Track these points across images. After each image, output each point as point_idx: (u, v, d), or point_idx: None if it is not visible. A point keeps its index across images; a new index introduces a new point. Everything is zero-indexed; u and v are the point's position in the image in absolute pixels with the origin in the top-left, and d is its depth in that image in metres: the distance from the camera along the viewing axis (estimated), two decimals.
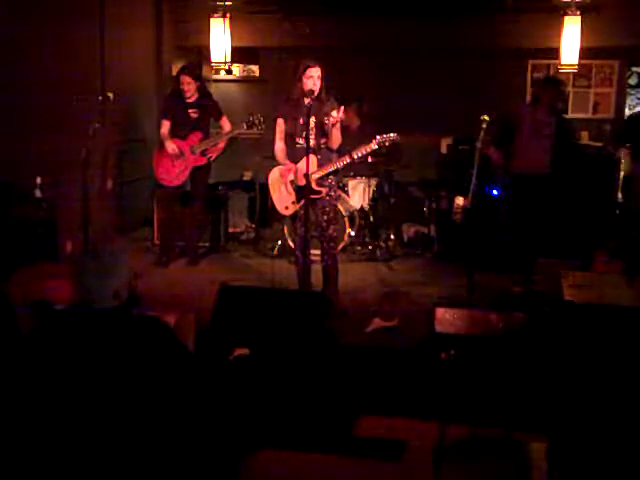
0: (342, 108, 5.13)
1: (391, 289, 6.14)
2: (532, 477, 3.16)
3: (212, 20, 7.86)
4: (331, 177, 5.33)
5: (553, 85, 6.30)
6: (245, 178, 8.20)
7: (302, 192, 5.17)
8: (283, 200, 5.43)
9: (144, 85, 8.12)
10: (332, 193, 5.37)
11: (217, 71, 8.33)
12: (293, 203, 5.36)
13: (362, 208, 7.12)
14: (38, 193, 5.60)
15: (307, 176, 4.99)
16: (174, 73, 7.37)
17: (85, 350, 2.46)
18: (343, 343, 4.54)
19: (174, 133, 6.58)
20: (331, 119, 5.09)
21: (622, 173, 6.98)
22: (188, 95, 6.49)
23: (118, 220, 7.61)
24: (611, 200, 7.11)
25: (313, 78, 5.08)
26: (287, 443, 3.36)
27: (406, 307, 5.59)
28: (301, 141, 5.20)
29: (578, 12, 7.32)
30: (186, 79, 6.45)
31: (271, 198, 5.57)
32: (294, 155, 5.30)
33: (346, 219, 6.71)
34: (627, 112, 8.21)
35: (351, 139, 5.88)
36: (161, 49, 8.45)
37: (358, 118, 7.13)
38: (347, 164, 5.30)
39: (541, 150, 6.07)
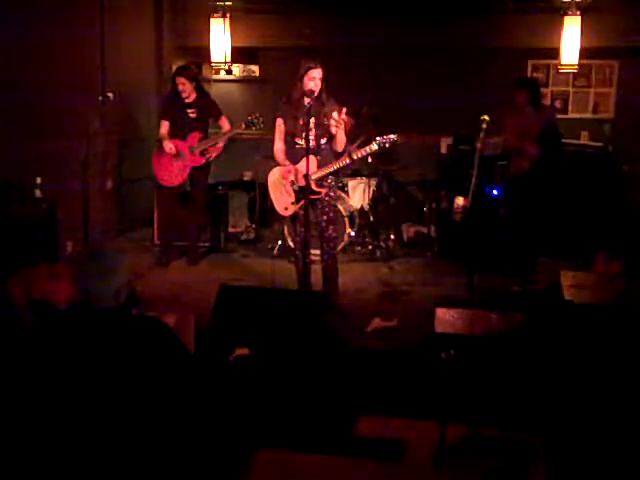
0: (344, 110, 5.12)
1: (391, 289, 6.15)
2: (531, 477, 3.16)
3: (212, 20, 7.87)
4: (331, 177, 5.33)
5: (524, 85, 6.38)
6: (245, 178, 8.20)
7: (302, 193, 5.17)
8: (283, 201, 5.42)
9: (144, 85, 8.12)
10: (332, 193, 5.36)
11: (217, 71, 8.33)
12: (293, 204, 5.35)
13: (362, 208, 7.12)
14: (38, 193, 5.61)
15: (307, 177, 4.99)
16: None
17: (85, 350, 2.46)
18: (343, 343, 4.53)
19: (173, 133, 6.58)
20: (333, 122, 5.08)
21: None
22: (185, 96, 6.50)
23: (118, 220, 7.61)
24: (611, 200, 7.10)
25: (315, 79, 5.08)
26: (287, 443, 3.35)
27: (406, 307, 5.60)
28: (301, 142, 5.19)
29: (578, 12, 7.33)
30: (181, 80, 6.46)
31: (271, 199, 5.57)
32: (294, 156, 5.29)
33: (346, 219, 6.71)
34: None
35: (350, 139, 5.87)
36: (161, 49, 8.45)
37: (354, 119, 7.12)
38: (347, 164, 5.31)
39: (529, 151, 6.14)
